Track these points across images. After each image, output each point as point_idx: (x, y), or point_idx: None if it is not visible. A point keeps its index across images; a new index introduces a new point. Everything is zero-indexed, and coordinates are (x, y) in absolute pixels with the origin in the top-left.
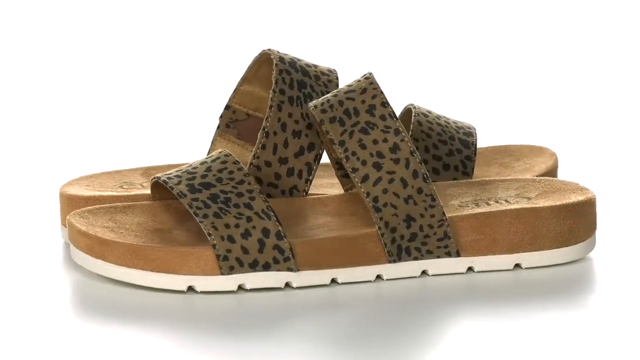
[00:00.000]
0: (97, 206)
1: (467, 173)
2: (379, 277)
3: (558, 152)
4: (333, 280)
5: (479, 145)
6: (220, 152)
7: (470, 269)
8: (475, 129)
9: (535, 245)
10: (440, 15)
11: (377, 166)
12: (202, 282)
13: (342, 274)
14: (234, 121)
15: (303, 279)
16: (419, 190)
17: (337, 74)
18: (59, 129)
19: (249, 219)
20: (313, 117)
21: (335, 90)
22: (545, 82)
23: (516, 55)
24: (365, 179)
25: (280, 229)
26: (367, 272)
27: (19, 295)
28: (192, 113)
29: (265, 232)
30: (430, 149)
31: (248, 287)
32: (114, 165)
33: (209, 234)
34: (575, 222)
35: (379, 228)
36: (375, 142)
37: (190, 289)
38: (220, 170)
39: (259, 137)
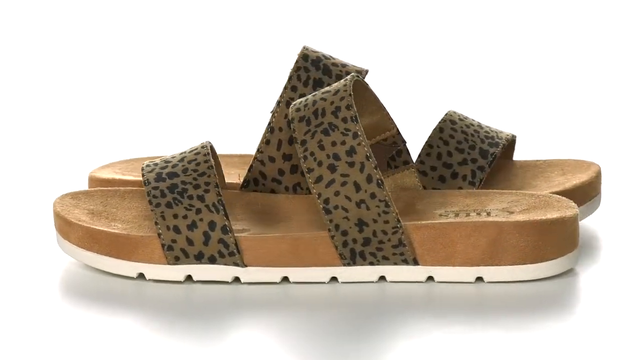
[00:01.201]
0: (98, 189)
1: (474, 183)
2: (334, 279)
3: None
4: (286, 279)
5: (539, 157)
6: (202, 143)
7: (430, 278)
8: (509, 139)
9: (495, 260)
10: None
11: (332, 168)
12: (151, 271)
13: (295, 273)
14: None
15: (251, 275)
16: (372, 195)
17: (365, 74)
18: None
19: (198, 211)
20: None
21: (320, 90)
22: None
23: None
24: (318, 180)
25: (226, 223)
26: (321, 273)
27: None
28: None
29: (212, 225)
30: (443, 156)
31: (195, 278)
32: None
33: (156, 223)
34: (540, 239)
35: (329, 230)
36: (333, 144)
37: (142, 276)
38: (190, 162)
39: (264, 132)
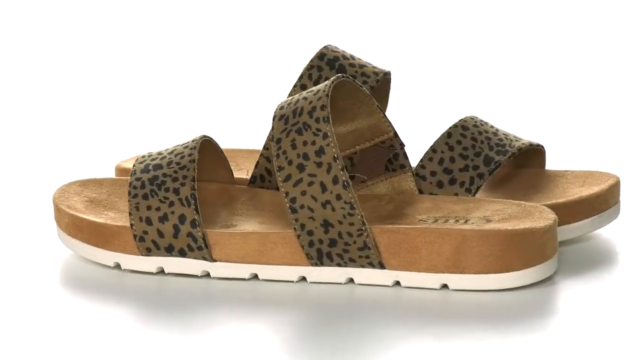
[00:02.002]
0: (111, 177)
1: (470, 190)
2: (304, 278)
3: None
4: (255, 277)
5: (572, 168)
6: (195, 137)
7: (397, 283)
8: (523, 148)
9: (460, 268)
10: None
11: (301, 167)
12: (126, 261)
13: (264, 271)
14: None
15: (220, 271)
16: (338, 197)
17: (383, 77)
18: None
19: (171, 204)
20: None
21: (307, 90)
22: None
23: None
24: (287, 178)
25: (196, 217)
26: (289, 272)
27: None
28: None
29: (182, 218)
30: (445, 161)
31: (167, 271)
32: None
33: (130, 214)
34: (505, 249)
35: (295, 229)
36: (305, 143)
37: (118, 265)
38: (177, 155)
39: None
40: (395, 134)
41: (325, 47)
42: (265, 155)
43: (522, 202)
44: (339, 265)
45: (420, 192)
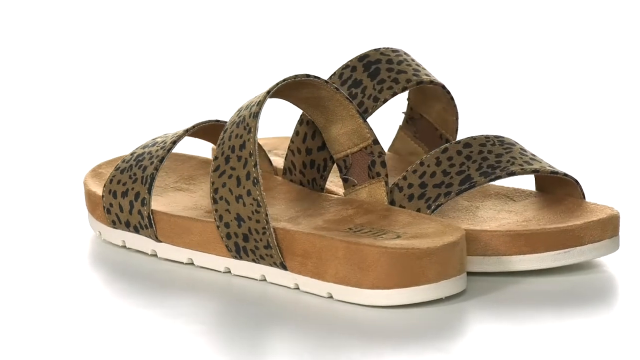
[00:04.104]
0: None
1: (430, 206)
2: (228, 270)
3: None
4: (191, 262)
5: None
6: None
7: (297, 286)
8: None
9: (353, 281)
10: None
11: (227, 159)
12: (104, 231)
13: (198, 257)
14: (412, 119)
15: (163, 251)
16: (248, 193)
17: (415, 85)
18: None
19: (134, 180)
20: None
21: None
22: None
23: None
24: (216, 169)
25: (146, 196)
26: (218, 262)
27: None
28: None
29: (137, 195)
30: (426, 176)
31: (127, 245)
32: None
33: (104, 185)
34: (392, 266)
35: (215, 219)
36: (236, 136)
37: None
38: (172, 136)
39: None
40: (375, 141)
41: (376, 49)
42: (291, 148)
43: (445, 221)
44: (254, 261)
45: (393, 203)
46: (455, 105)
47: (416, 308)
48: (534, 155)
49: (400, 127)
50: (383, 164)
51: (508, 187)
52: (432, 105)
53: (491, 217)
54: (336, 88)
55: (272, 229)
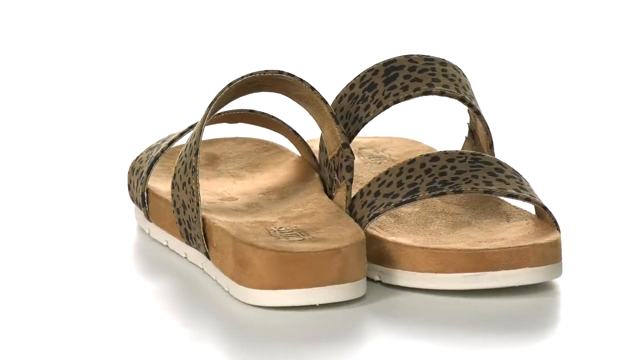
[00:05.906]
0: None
1: (369, 214)
2: (186, 256)
3: None
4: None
5: None
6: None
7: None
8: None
9: (236, 277)
10: None
11: (188, 146)
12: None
13: (172, 241)
14: (471, 131)
15: (153, 231)
16: (189, 180)
17: (422, 94)
18: None
19: (148, 162)
20: None
21: None
22: None
23: None
24: (180, 156)
25: (145, 175)
26: (180, 246)
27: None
28: None
29: (142, 175)
30: (384, 185)
31: (136, 221)
32: None
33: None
34: (263, 267)
35: (171, 205)
36: (197, 125)
37: None
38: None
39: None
40: (345, 144)
41: (406, 55)
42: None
43: (357, 227)
44: (197, 249)
45: (352, 207)
46: (482, 120)
47: (311, 311)
48: (520, 181)
49: (466, 138)
50: (348, 168)
51: (525, 211)
52: (475, 122)
53: (466, 234)
54: (311, 87)
55: (200, 219)
